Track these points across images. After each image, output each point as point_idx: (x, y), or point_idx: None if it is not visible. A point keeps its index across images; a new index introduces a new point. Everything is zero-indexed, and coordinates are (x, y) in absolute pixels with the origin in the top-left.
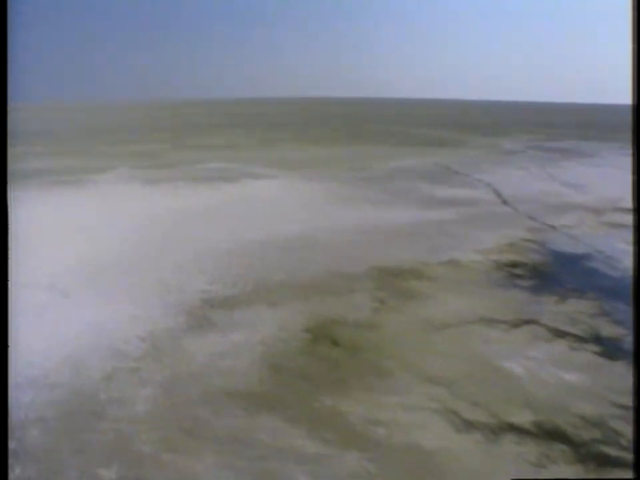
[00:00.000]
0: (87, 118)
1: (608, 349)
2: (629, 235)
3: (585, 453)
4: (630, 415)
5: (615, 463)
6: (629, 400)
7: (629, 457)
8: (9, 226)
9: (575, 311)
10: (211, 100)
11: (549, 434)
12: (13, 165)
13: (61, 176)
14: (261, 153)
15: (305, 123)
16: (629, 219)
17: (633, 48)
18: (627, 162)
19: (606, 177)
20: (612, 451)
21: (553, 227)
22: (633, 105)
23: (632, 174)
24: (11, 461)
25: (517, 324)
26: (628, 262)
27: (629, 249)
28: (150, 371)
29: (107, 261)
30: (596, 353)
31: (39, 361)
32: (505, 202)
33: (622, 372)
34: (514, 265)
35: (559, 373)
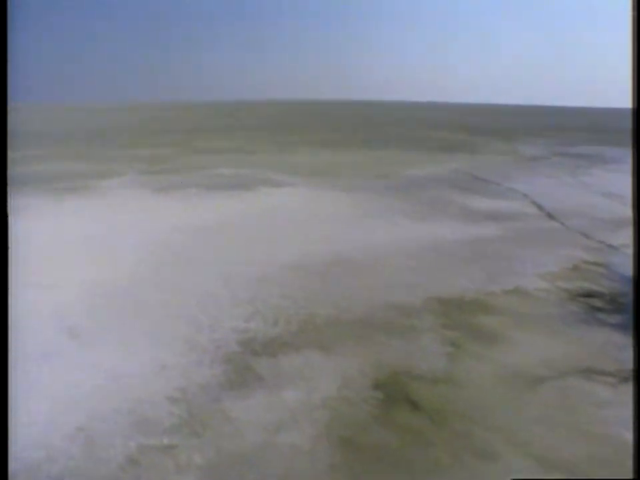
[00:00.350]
0: (89, 119)
1: None
2: None
3: None
4: None
5: None
6: None
7: None
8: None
9: None
10: (210, 102)
11: None
12: (12, 169)
13: (63, 182)
14: (274, 157)
15: (311, 126)
16: None
17: (633, 49)
18: None
19: None
20: None
21: (613, 247)
22: (633, 108)
23: (632, 176)
24: None
25: (624, 377)
26: None
27: None
28: (188, 450)
29: (121, 288)
30: None
31: (42, 434)
32: (549, 216)
33: None
34: (588, 294)
35: None
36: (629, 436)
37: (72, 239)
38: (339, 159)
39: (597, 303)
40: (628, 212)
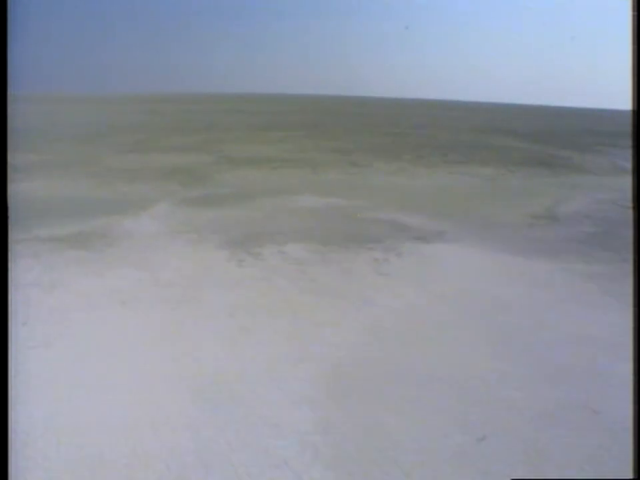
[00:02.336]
0: (88, 112)
1: None
2: None
3: None
4: None
5: None
6: None
7: None
8: None
9: None
10: (208, 94)
11: None
12: None
13: (65, 222)
14: (350, 175)
15: (345, 126)
16: None
17: (633, 50)
18: None
19: None
20: None
21: None
22: (633, 110)
23: (632, 176)
24: None
25: None
26: None
27: None
28: None
29: None
30: None
31: None
32: None
33: None
34: None
35: None
36: None
37: (100, 417)
38: (440, 182)
39: None
40: None
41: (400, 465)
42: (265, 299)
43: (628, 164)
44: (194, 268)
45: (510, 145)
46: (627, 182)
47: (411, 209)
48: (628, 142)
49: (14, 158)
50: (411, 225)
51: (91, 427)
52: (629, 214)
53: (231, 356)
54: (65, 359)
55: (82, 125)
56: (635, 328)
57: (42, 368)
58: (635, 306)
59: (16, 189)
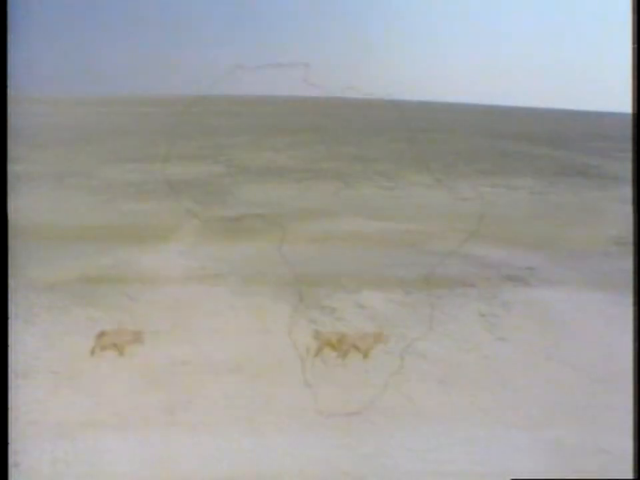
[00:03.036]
0: (86, 115)
1: None
2: None
3: None
4: None
5: None
6: None
7: None
8: None
9: None
10: (204, 96)
11: None
12: None
13: (69, 258)
14: (388, 190)
15: (351, 130)
16: None
17: (633, 50)
18: None
19: None
20: None
21: None
22: (633, 113)
23: (632, 176)
24: None
25: None
26: None
27: None
28: None
29: None
30: None
31: None
32: None
33: None
34: None
35: None
36: None
37: None
38: (487, 197)
39: None
40: None
41: None
42: (373, 393)
43: None
44: (253, 337)
45: (531, 152)
46: None
47: (477, 236)
48: None
49: (10, 170)
50: (490, 258)
51: None
52: None
53: None
54: None
55: (77, 129)
56: (634, 328)
57: None
58: (634, 305)
59: (12, 214)
